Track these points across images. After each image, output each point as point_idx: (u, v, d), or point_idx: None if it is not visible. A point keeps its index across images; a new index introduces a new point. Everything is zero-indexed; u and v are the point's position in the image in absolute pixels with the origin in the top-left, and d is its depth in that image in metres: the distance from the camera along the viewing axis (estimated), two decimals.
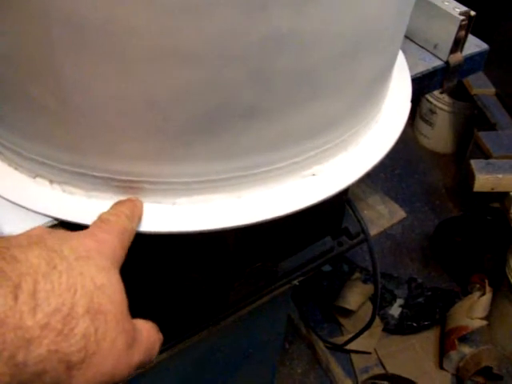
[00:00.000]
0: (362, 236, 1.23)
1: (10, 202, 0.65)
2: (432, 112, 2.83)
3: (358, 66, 0.59)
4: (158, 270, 0.88)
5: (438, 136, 2.91)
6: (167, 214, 0.64)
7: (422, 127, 2.96)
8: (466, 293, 2.22)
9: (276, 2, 0.47)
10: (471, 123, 2.67)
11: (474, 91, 2.41)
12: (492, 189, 1.72)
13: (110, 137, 0.57)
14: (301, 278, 1.17)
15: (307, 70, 0.54)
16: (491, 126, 2.29)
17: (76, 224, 0.63)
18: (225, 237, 0.92)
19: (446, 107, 2.76)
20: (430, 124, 2.89)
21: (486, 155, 2.04)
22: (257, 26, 0.48)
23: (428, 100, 2.82)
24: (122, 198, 0.63)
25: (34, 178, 0.66)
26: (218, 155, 0.59)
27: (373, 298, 1.36)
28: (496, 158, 1.96)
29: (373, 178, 2.79)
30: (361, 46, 0.57)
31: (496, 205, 2.23)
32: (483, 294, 2.10)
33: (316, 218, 1.11)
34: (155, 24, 0.47)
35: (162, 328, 0.97)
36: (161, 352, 1.02)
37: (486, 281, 2.14)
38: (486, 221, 2.31)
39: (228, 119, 0.55)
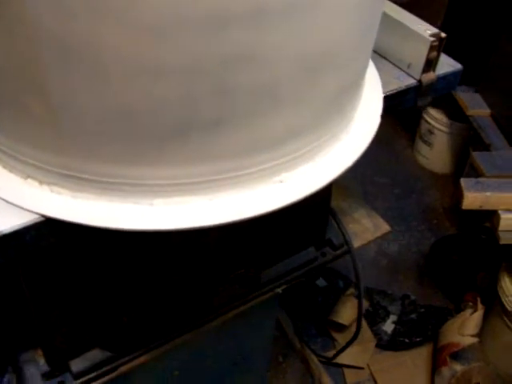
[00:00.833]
0: (345, 247, 1.28)
1: (4, 200, 0.71)
2: (430, 132, 2.89)
3: (316, 82, 0.65)
4: (144, 273, 0.94)
5: (437, 156, 2.96)
6: (145, 214, 0.69)
7: (421, 147, 3.01)
8: (459, 310, 2.25)
9: (235, 25, 0.53)
10: (468, 144, 2.72)
11: (470, 112, 2.47)
12: (480, 207, 1.76)
13: (91, 142, 0.63)
14: (284, 286, 1.22)
15: (267, 85, 0.60)
16: (486, 147, 2.33)
17: (61, 221, 0.69)
18: (208, 242, 0.98)
19: (443, 128, 2.82)
20: (429, 144, 2.94)
21: (479, 175, 2.08)
22: (217, 45, 0.54)
23: (427, 121, 2.87)
24: (104, 198, 0.69)
25: (26, 179, 0.72)
26: (190, 160, 0.65)
27: (358, 310, 1.39)
28: (488, 177, 2.01)
29: (370, 197, 2.85)
30: (318, 64, 0.63)
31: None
32: (475, 312, 2.13)
33: (299, 228, 1.17)
34: (127, 45, 0.53)
35: (148, 328, 1.03)
36: (146, 352, 1.07)
37: (479, 298, 2.17)
38: (479, 240, 2.34)
39: (196, 128, 0.61)
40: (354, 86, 0.77)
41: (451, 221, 2.77)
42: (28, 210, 0.70)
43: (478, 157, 2.14)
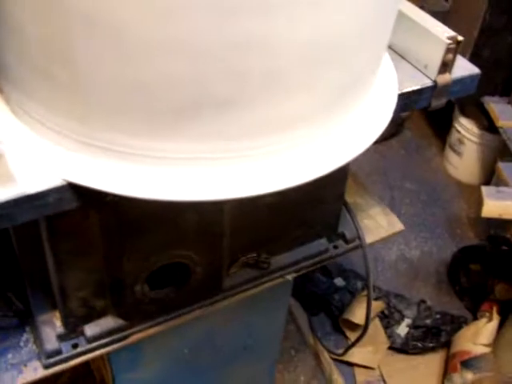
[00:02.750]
0: (357, 242, 1.32)
1: (32, 163, 0.77)
2: (461, 142, 2.89)
3: (323, 70, 0.70)
4: (158, 243, 0.99)
5: (466, 166, 2.96)
6: (160, 184, 0.75)
7: (451, 156, 3.01)
8: (475, 320, 2.26)
9: (246, 10, 0.58)
10: (498, 155, 2.71)
11: (500, 123, 2.47)
12: (500, 215, 1.77)
13: (112, 113, 0.69)
14: (294, 274, 1.27)
15: (275, 70, 0.65)
16: None
17: (82, 186, 0.75)
18: (221, 221, 1.03)
19: (474, 138, 2.81)
20: (459, 154, 2.94)
21: (505, 186, 2.09)
22: (227, 28, 0.60)
23: (457, 130, 2.87)
24: (123, 167, 0.75)
25: (54, 145, 0.78)
26: (203, 137, 0.71)
27: (367, 305, 1.43)
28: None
29: (396, 202, 2.87)
30: (324, 53, 0.68)
31: None
32: (490, 321, 2.14)
33: (313, 218, 1.21)
34: (144, 22, 0.59)
35: (160, 301, 1.08)
36: (157, 324, 1.13)
37: (495, 308, 2.17)
38: (500, 251, 2.34)
39: (206, 106, 0.66)
40: (362, 78, 0.81)
41: (475, 231, 2.76)
42: (52, 174, 0.76)
43: (503, 167, 2.16)
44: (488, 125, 2.70)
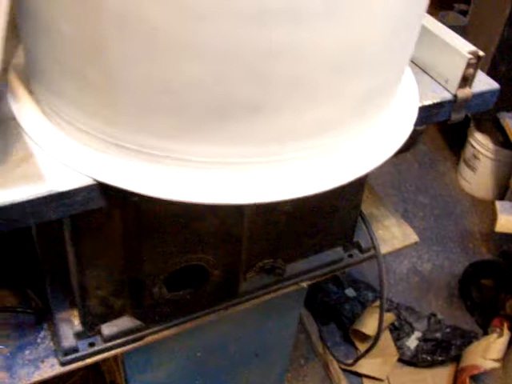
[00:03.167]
0: (372, 252, 1.33)
1: (61, 162, 0.79)
2: (475, 157, 2.89)
3: (346, 80, 0.71)
4: (175, 247, 1.01)
5: (480, 182, 2.96)
6: (185, 187, 0.76)
7: (465, 171, 3.01)
8: (486, 335, 2.25)
9: (273, 17, 0.60)
10: None
11: None
12: None
13: (140, 114, 0.71)
14: (309, 282, 1.28)
15: (301, 77, 0.67)
16: None
17: (110, 186, 0.77)
18: (241, 226, 1.05)
19: (488, 154, 2.82)
20: (473, 169, 2.94)
21: None
22: (256, 35, 0.61)
23: (472, 145, 2.88)
24: (148, 169, 0.77)
25: (82, 145, 0.81)
26: (227, 141, 0.72)
27: (379, 316, 1.43)
28: None
29: (410, 215, 2.87)
30: (348, 63, 0.69)
31: None
32: (501, 337, 2.14)
33: (329, 226, 1.22)
34: (175, 25, 0.61)
35: (176, 304, 1.10)
36: (172, 326, 1.14)
37: (506, 324, 2.17)
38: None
39: (234, 111, 0.68)
40: (386, 89, 0.83)
41: (487, 246, 2.76)
42: (81, 173, 0.78)
43: None
44: (504, 140, 2.71)
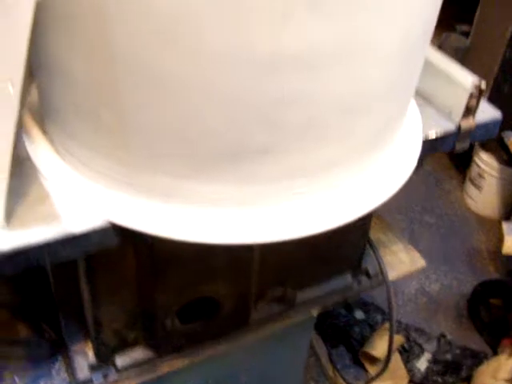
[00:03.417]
0: (380, 278, 1.34)
1: (76, 202, 0.82)
2: (480, 176, 2.91)
3: (354, 121, 0.74)
4: (187, 283, 1.03)
5: (485, 200, 2.97)
6: (197, 226, 0.79)
7: (471, 190, 3.02)
8: (496, 355, 2.25)
9: (283, 66, 0.63)
10: None
11: None
12: None
13: (152, 156, 0.74)
14: (319, 309, 1.29)
15: (311, 121, 0.69)
16: None
17: (124, 227, 0.79)
18: (251, 258, 1.06)
19: (494, 172, 2.83)
20: (478, 188, 2.96)
21: None
22: (268, 82, 0.64)
23: (477, 164, 2.89)
24: (164, 207, 0.79)
25: (95, 183, 0.83)
26: (237, 181, 0.75)
27: (389, 340, 1.44)
28: None
29: (416, 235, 2.88)
30: (356, 106, 0.72)
31: None
32: (511, 357, 2.13)
33: (337, 254, 1.24)
34: (188, 73, 0.63)
35: (188, 335, 1.11)
36: (184, 356, 1.16)
37: None
38: None
39: (245, 154, 0.70)
40: (392, 125, 0.85)
41: (494, 265, 2.77)
42: (96, 214, 0.80)
43: None
44: (508, 159, 2.72)
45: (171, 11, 0.58)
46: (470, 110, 1.04)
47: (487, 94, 2.60)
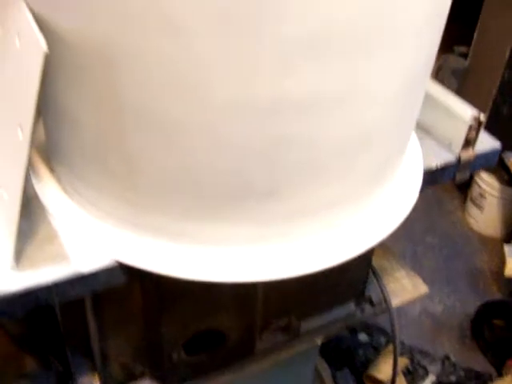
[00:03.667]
0: (384, 305, 1.35)
1: (83, 241, 0.83)
2: (482, 196, 2.92)
3: (355, 160, 0.75)
4: (193, 315, 1.04)
5: (487, 220, 2.98)
6: (201, 264, 0.80)
7: (472, 210, 3.04)
8: (501, 376, 2.25)
9: (287, 112, 0.65)
10: None
11: None
12: None
13: (158, 198, 0.75)
14: (323, 338, 1.30)
15: (312, 162, 0.71)
16: None
17: (130, 266, 0.80)
18: (255, 290, 1.08)
19: (495, 192, 2.85)
20: (480, 208, 2.97)
21: None
22: (268, 127, 0.66)
23: (478, 185, 2.91)
24: (169, 246, 0.81)
25: (103, 223, 0.84)
26: (240, 222, 0.76)
27: (393, 368, 1.45)
28: None
29: (419, 256, 2.89)
30: (357, 145, 0.74)
31: None
32: None
33: (341, 283, 1.25)
34: (193, 120, 0.65)
35: (193, 366, 1.12)
36: None
37: None
38: None
39: (248, 196, 0.72)
40: (394, 161, 0.87)
41: (497, 285, 2.77)
42: (103, 253, 0.82)
43: None
44: (509, 179, 2.74)
45: (180, 64, 0.60)
46: (469, 142, 1.06)
47: (486, 115, 2.62)
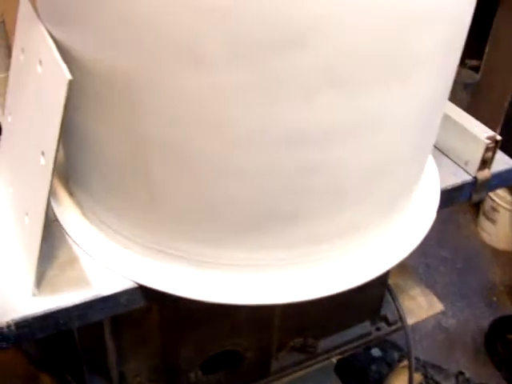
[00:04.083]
0: (399, 324, 1.35)
1: (105, 266, 0.84)
2: (494, 210, 2.91)
3: (374, 187, 0.76)
4: (209, 336, 1.04)
5: (500, 233, 2.97)
6: (223, 289, 0.80)
7: (485, 224, 3.02)
8: None
9: (308, 141, 0.65)
10: None
11: None
12: None
13: (182, 226, 0.76)
14: (339, 357, 1.30)
15: (335, 189, 0.72)
16: None
17: (151, 289, 0.81)
18: (272, 311, 1.08)
19: (508, 206, 2.84)
20: (493, 221, 2.96)
21: None
22: (293, 158, 0.66)
23: (491, 198, 2.90)
24: (190, 270, 0.81)
25: (125, 249, 0.85)
26: (261, 247, 0.77)
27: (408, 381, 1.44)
28: None
29: (431, 270, 2.88)
30: (380, 171, 0.74)
31: None
32: None
33: (357, 303, 1.25)
34: (216, 151, 0.66)
35: None
36: None
37: None
38: None
39: (270, 222, 0.73)
40: (411, 185, 0.87)
41: (511, 299, 2.75)
42: (124, 277, 0.82)
43: None
44: None
45: (204, 98, 0.61)
46: (486, 162, 1.06)
47: (498, 129, 2.61)
